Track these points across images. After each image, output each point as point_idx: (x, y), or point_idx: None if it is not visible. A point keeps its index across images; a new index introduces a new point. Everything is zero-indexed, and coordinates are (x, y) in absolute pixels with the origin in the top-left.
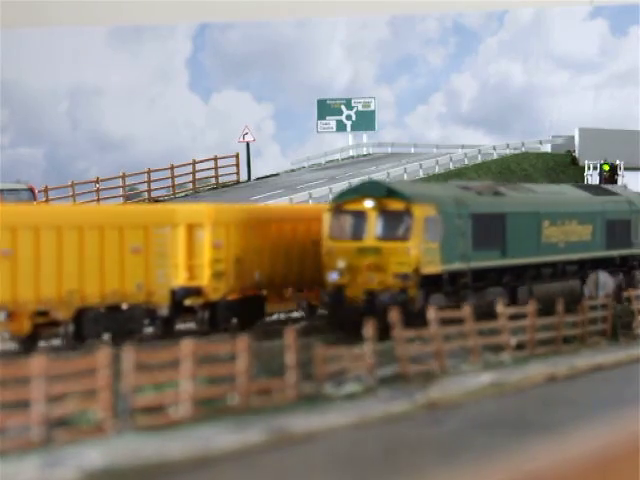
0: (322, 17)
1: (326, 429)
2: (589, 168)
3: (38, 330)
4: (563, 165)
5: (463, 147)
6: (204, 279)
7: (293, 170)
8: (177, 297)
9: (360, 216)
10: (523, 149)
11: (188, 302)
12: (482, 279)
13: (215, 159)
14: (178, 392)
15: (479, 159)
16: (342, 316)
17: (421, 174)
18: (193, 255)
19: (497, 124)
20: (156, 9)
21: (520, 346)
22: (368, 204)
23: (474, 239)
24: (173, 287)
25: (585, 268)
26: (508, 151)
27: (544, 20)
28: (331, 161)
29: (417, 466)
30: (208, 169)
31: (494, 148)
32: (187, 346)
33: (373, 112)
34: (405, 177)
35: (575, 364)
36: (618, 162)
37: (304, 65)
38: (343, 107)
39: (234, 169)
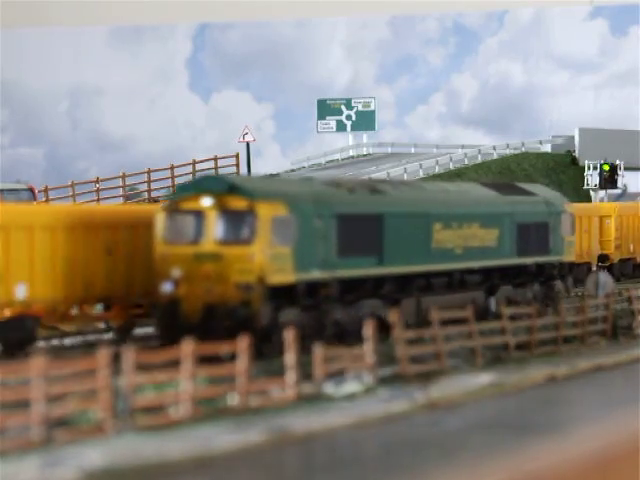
0: (322, 17)
1: (326, 429)
2: (589, 168)
3: (133, 321)
4: (563, 165)
5: (463, 147)
6: None
7: (293, 170)
8: None
9: (198, 216)
10: (523, 149)
11: None
12: (354, 290)
13: (215, 159)
14: (178, 392)
15: (479, 159)
16: (176, 335)
17: (421, 174)
18: None
19: (497, 124)
20: (156, 9)
21: (520, 346)
22: (206, 202)
23: (340, 244)
24: None
25: (492, 278)
26: (508, 151)
27: (544, 20)
28: (331, 161)
29: (417, 466)
30: (208, 169)
31: (494, 148)
32: (187, 346)
33: (373, 112)
34: (405, 177)
35: (575, 364)
36: (618, 162)
37: (304, 65)
38: (343, 107)
39: (234, 169)
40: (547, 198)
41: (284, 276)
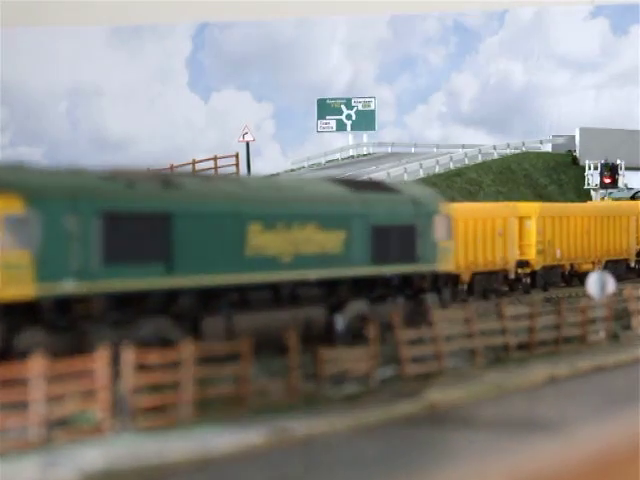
0: (322, 17)
1: (326, 430)
2: (590, 168)
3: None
4: (564, 165)
5: (463, 147)
6: None
7: (293, 170)
8: None
9: None
10: (524, 149)
11: None
12: (130, 307)
13: (215, 159)
14: (178, 392)
15: (479, 159)
16: None
17: (421, 174)
18: None
19: (498, 124)
20: (156, 9)
21: (520, 346)
22: None
23: (108, 248)
24: None
25: (338, 292)
26: (509, 151)
27: (545, 19)
28: (331, 161)
29: (417, 466)
30: (208, 169)
31: (494, 148)
32: (187, 347)
33: (373, 112)
34: (405, 177)
35: (576, 364)
36: (619, 162)
37: (304, 65)
38: (343, 107)
39: (234, 169)
40: (415, 197)
41: (19, 289)
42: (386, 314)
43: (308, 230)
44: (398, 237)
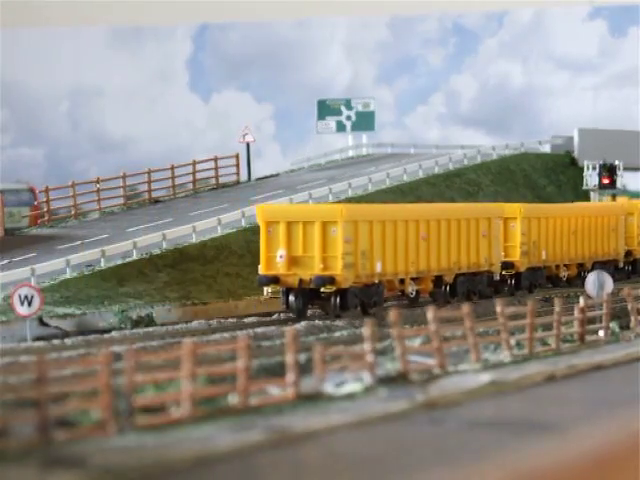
0: (322, 17)
1: (326, 429)
2: (588, 168)
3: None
4: (562, 165)
5: (463, 147)
6: None
7: (293, 170)
8: None
9: None
10: (522, 149)
11: None
12: None
13: (215, 159)
14: (178, 392)
15: (478, 159)
16: None
17: (421, 174)
18: None
19: (497, 124)
20: (156, 9)
21: (519, 345)
22: None
23: None
24: None
25: None
26: (507, 151)
27: (543, 21)
28: (331, 161)
29: (417, 466)
30: (208, 169)
31: (493, 148)
32: (187, 346)
33: (373, 112)
34: (405, 177)
35: (574, 363)
36: (617, 162)
37: (304, 65)
38: (343, 107)
39: (234, 169)
40: None
41: None
42: None
43: None
44: None
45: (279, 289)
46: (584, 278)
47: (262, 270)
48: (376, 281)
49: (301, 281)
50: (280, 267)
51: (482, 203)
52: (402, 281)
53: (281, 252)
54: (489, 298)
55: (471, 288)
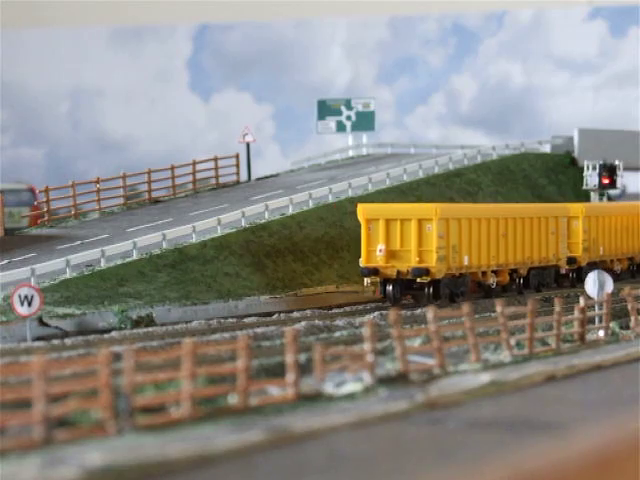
0: (322, 17)
1: (326, 429)
2: (588, 168)
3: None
4: (562, 165)
5: (462, 147)
6: None
7: (293, 170)
8: None
9: None
10: (522, 149)
11: None
12: None
13: (215, 159)
14: (178, 392)
15: (478, 159)
16: None
17: (421, 174)
18: None
19: (497, 124)
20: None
21: (520, 344)
22: None
23: None
24: None
25: None
26: (507, 151)
27: (543, 21)
28: (331, 161)
29: (417, 466)
30: (208, 169)
31: (493, 148)
32: (187, 346)
33: (373, 112)
34: (405, 177)
35: (574, 363)
36: (617, 162)
37: (304, 65)
38: (343, 107)
39: (234, 169)
40: None
41: None
42: None
43: None
44: None
45: (377, 280)
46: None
47: (363, 262)
48: (463, 273)
49: (398, 272)
50: (379, 260)
51: (551, 203)
52: (484, 273)
53: (380, 247)
54: (555, 290)
55: (541, 281)
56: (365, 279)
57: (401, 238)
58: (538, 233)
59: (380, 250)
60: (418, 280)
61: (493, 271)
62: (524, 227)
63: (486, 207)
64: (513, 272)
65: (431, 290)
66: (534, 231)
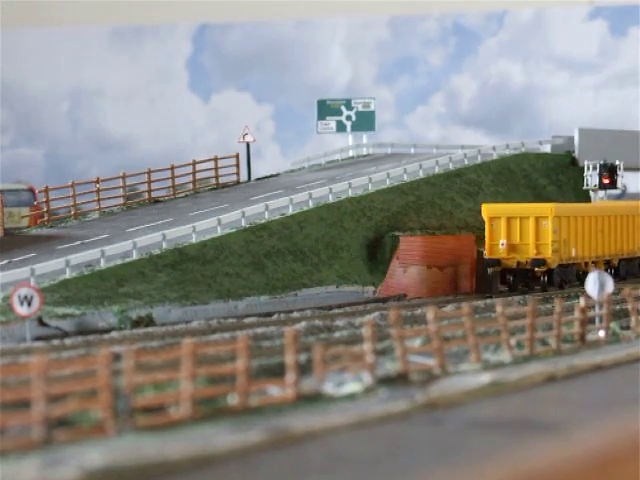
0: (322, 17)
1: (326, 429)
2: (588, 168)
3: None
4: (563, 165)
5: (463, 147)
6: None
7: (293, 170)
8: None
9: None
10: (523, 149)
11: None
12: None
13: (215, 159)
14: (178, 392)
15: (479, 159)
16: None
17: (421, 174)
18: None
19: (497, 124)
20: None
21: (520, 345)
22: None
23: None
24: None
25: None
26: (508, 151)
27: (544, 20)
28: (331, 161)
29: (417, 466)
30: (208, 169)
31: (494, 148)
32: (187, 346)
33: (373, 112)
34: (405, 177)
35: (575, 364)
36: (618, 162)
37: (304, 65)
38: (343, 107)
39: (234, 169)
40: None
41: None
42: None
43: None
44: None
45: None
46: None
47: (487, 255)
48: (571, 263)
49: (518, 263)
50: (501, 252)
51: (637, 201)
52: (585, 264)
53: (502, 241)
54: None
55: (629, 270)
56: (488, 269)
57: (520, 233)
58: (627, 228)
59: (502, 244)
60: (535, 270)
61: (593, 262)
62: (616, 223)
63: (588, 206)
64: (607, 263)
65: (546, 278)
66: (623, 227)
